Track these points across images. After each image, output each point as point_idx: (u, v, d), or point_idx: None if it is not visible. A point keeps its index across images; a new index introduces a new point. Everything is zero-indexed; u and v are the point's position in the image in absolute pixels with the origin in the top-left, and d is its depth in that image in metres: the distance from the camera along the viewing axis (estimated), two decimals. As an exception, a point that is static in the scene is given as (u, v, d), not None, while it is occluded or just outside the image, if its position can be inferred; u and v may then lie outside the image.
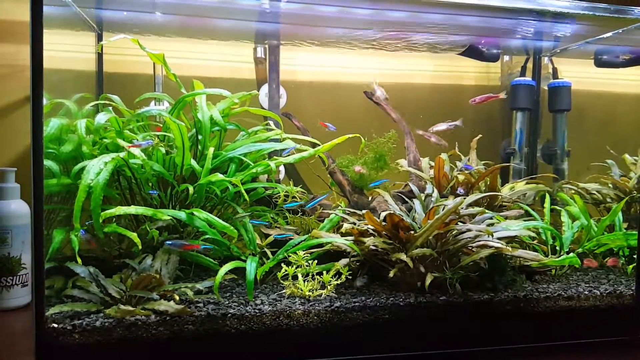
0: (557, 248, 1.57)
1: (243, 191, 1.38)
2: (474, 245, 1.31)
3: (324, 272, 1.31)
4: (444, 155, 1.66)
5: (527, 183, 1.78)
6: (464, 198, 1.34)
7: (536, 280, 1.47)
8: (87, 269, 1.21)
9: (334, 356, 1.19)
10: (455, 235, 1.34)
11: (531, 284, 1.42)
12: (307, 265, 1.32)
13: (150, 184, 1.44)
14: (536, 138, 1.99)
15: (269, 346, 1.17)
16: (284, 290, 1.30)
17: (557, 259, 1.41)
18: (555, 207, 1.71)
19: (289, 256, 1.35)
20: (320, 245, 1.41)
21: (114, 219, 1.38)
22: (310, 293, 1.27)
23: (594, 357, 1.27)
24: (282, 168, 1.76)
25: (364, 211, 1.33)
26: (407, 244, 1.33)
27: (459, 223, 1.36)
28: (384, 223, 1.35)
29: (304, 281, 1.28)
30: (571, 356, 1.27)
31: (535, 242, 1.47)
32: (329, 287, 1.29)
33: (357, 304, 1.23)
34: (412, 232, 1.32)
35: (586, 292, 1.37)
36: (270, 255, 1.43)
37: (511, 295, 1.32)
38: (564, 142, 1.96)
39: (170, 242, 1.29)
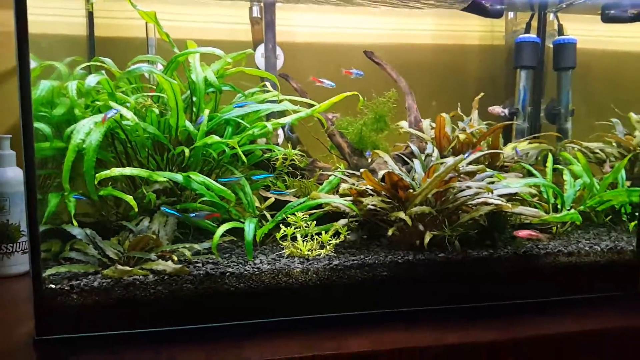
0: (559, 207, 1.55)
1: (240, 153, 1.36)
2: (473, 202, 1.29)
3: (323, 233, 1.30)
4: (445, 116, 1.62)
5: (529, 143, 1.75)
6: (464, 156, 1.31)
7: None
8: (84, 231, 1.21)
9: (333, 312, 1.20)
10: (455, 193, 1.32)
11: (531, 241, 1.41)
12: (306, 226, 1.32)
13: (146, 149, 1.42)
14: (540, 97, 1.94)
15: (268, 304, 1.18)
16: (283, 251, 1.29)
17: (557, 215, 1.40)
18: (558, 166, 1.68)
19: (288, 217, 1.34)
20: (320, 206, 1.40)
21: (110, 182, 1.38)
22: (310, 253, 1.26)
23: (594, 312, 1.27)
24: (280, 132, 1.74)
25: (362, 170, 1.31)
26: (406, 203, 1.31)
27: (460, 181, 1.34)
28: (383, 183, 1.33)
29: (304, 242, 1.28)
30: (571, 312, 1.27)
31: (535, 199, 1.46)
32: (328, 247, 1.28)
33: (355, 261, 1.23)
34: (411, 190, 1.31)
35: (587, 249, 1.36)
36: (270, 218, 1.42)
37: (511, 251, 1.31)
38: (568, 101, 1.91)
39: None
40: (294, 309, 1.18)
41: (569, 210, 1.52)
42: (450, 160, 1.29)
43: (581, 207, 1.55)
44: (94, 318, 1.09)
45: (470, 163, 1.39)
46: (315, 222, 1.35)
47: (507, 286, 1.31)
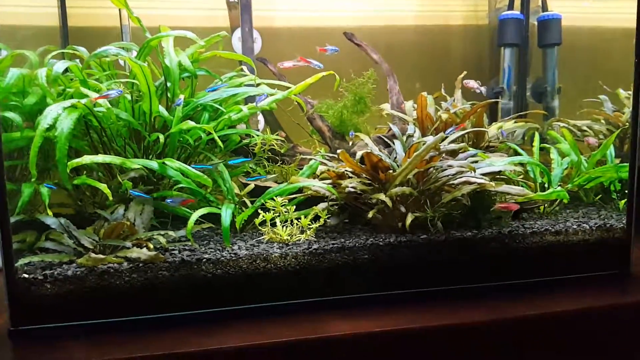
0: (546, 185, 1.52)
1: (217, 138, 1.33)
2: (455, 182, 1.27)
3: (302, 217, 1.28)
4: (428, 96, 1.59)
5: (515, 122, 1.72)
6: (445, 133, 1.29)
7: (524, 218, 1.43)
8: (58, 220, 1.19)
9: (313, 297, 1.17)
10: (437, 173, 1.30)
11: (518, 221, 1.38)
12: (285, 211, 1.29)
13: (122, 137, 1.39)
14: (525, 75, 1.90)
15: (246, 290, 1.16)
16: (262, 237, 1.27)
17: (543, 193, 1.37)
18: (545, 145, 1.65)
19: (267, 203, 1.31)
20: (301, 191, 1.37)
21: (86, 172, 1.35)
22: (289, 238, 1.24)
23: (584, 292, 1.24)
24: (261, 118, 1.71)
25: (339, 151, 1.29)
26: (387, 184, 1.28)
27: (442, 161, 1.31)
28: (362, 165, 1.31)
29: (283, 227, 1.25)
30: (560, 292, 1.24)
31: (521, 177, 1.43)
32: (308, 231, 1.26)
33: (335, 245, 1.21)
34: (391, 171, 1.28)
35: (575, 227, 1.33)
36: (250, 205, 1.40)
37: (495, 231, 1.28)
38: (554, 79, 1.88)
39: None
40: (273, 294, 1.16)
41: (556, 188, 1.49)
42: (430, 139, 1.26)
43: (569, 186, 1.52)
44: (69, 307, 1.07)
45: (452, 141, 1.36)
46: (295, 207, 1.32)
47: (492, 267, 1.28)
